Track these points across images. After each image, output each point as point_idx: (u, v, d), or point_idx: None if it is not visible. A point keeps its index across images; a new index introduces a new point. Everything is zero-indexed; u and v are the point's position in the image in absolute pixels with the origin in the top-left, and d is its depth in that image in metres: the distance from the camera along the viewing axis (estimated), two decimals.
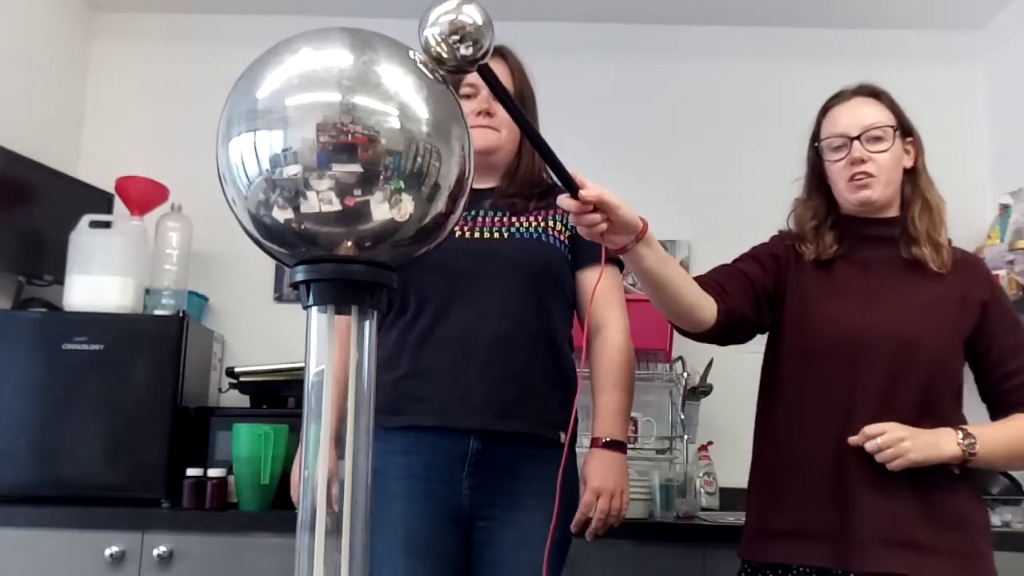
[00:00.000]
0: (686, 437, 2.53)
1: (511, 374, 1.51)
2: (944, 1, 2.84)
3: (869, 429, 1.41)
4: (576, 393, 1.63)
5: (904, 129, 1.58)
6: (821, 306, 1.54)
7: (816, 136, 1.62)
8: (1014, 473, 2.38)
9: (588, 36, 3.01)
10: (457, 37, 0.81)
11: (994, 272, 2.45)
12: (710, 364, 2.53)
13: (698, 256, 2.87)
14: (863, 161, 1.52)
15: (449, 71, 0.83)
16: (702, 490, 2.51)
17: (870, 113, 1.55)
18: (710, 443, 2.57)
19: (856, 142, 1.53)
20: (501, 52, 1.65)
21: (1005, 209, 2.60)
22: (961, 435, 1.41)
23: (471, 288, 1.52)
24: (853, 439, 1.42)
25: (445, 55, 0.81)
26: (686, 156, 2.93)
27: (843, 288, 1.54)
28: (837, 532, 1.43)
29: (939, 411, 1.46)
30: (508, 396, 1.50)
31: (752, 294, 1.56)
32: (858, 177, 1.52)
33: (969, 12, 2.89)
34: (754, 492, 1.59)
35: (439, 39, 0.81)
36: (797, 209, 1.65)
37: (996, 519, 2.16)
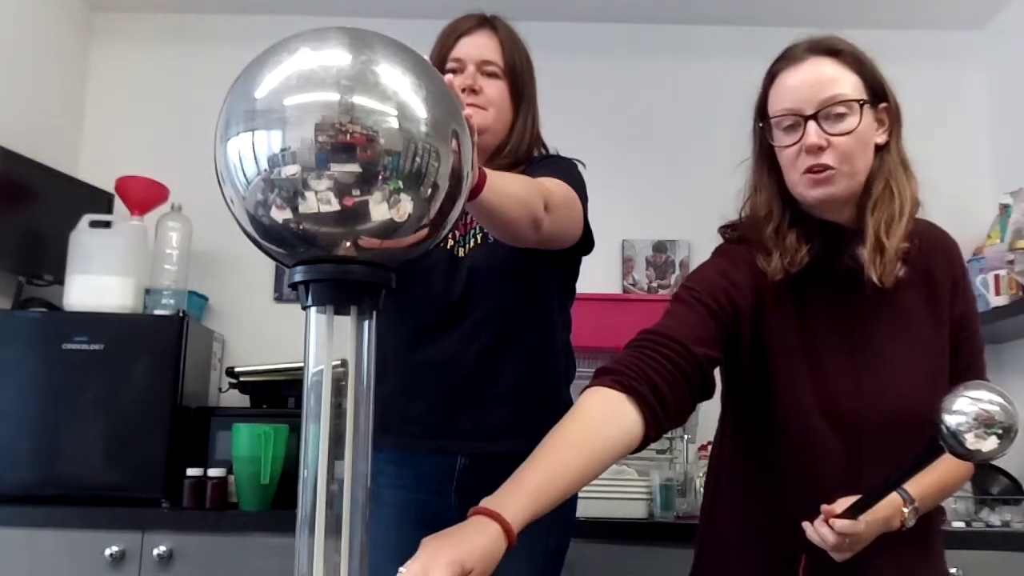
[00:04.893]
0: (686, 437, 2.52)
1: (499, 395, 1.44)
2: (944, 1, 2.84)
3: (838, 526, 1.10)
4: (572, 378, 1.58)
5: (876, 94, 1.22)
6: (800, 374, 1.22)
7: (763, 110, 1.29)
8: (1014, 473, 2.38)
9: (588, 36, 3.01)
10: (982, 426, 0.84)
11: (993, 272, 2.43)
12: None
13: (698, 256, 2.86)
14: (820, 149, 1.17)
15: (966, 459, 0.88)
16: (702, 490, 2.51)
17: (830, 81, 1.19)
18: (710, 443, 2.56)
19: (812, 122, 1.17)
20: (492, 24, 1.54)
21: (1005, 209, 2.60)
22: (908, 509, 1.16)
23: (455, 306, 1.45)
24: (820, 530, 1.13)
25: (968, 445, 0.85)
26: (686, 156, 2.93)
27: (821, 345, 1.22)
28: None
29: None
30: (497, 418, 1.44)
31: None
32: (816, 170, 1.18)
33: (969, 12, 2.89)
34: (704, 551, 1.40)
35: (964, 429, 0.85)
36: (748, 203, 1.35)
37: (996, 519, 2.16)
